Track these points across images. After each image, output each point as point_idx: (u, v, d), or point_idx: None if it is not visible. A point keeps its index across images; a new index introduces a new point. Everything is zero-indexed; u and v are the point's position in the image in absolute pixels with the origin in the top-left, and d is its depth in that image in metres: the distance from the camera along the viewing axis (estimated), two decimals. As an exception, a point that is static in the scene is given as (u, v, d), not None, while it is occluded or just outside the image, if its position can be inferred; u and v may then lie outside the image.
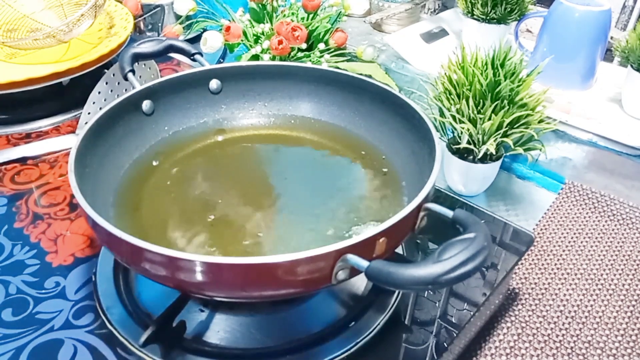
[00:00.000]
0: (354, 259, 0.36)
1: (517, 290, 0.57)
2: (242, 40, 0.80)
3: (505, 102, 0.59)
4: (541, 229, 0.64)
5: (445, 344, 0.45)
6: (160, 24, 0.98)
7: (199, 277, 0.36)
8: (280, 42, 0.75)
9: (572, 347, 0.52)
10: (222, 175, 0.54)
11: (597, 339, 0.53)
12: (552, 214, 0.66)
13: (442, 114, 0.64)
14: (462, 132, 0.61)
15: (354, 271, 0.37)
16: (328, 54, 0.80)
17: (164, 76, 0.57)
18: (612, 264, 0.60)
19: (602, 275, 0.59)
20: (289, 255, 0.35)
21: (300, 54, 0.79)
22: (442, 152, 0.46)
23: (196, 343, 0.44)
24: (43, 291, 0.48)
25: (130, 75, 0.57)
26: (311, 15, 0.82)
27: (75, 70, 0.73)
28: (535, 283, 0.58)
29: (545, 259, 0.61)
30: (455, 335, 0.46)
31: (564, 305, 0.56)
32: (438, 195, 0.60)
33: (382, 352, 0.44)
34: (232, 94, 0.61)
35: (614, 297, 0.57)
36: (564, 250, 0.62)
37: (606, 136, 0.71)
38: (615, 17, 0.90)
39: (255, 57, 0.78)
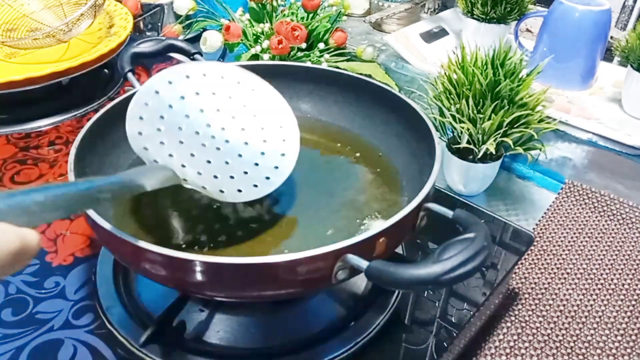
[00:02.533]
0: (353, 259, 0.36)
1: (517, 290, 0.57)
2: (241, 40, 0.80)
3: (505, 101, 0.59)
4: (541, 229, 0.64)
5: (445, 343, 0.45)
6: (159, 24, 0.98)
7: (199, 277, 0.36)
8: (280, 42, 0.75)
9: (572, 347, 0.52)
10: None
11: (597, 339, 0.53)
12: (552, 213, 0.66)
13: (442, 114, 0.64)
14: (462, 132, 0.61)
15: (354, 271, 0.37)
16: (328, 53, 0.80)
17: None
18: (612, 264, 0.60)
19: (602, 275, 0.59)
20: (289, 255, 0.35)
21: (300, 54, 0.79)
22: (442, 152, 0.46)
23: (196, 343, 0.44)
24: (43, 291, 0.48)
25: (130, 75, 0.56)
26: (311, 15, 0.82)
27: (75, 70, 0.73)
28: (535, 283, 0.58)
29: (545, 259, 0.61)
30: (455, 335, 0.46)
31: (564, 305, 0.56)
32: (438, 195, 0.60)
33: (382, 352, 0.44)
34: (231, 94, 0.60)
35: (614, 297, 0.57)
36: (564, 250, 0.62)
37: (606, 136, 0.71)
38: (615, 17, 0.90)
39: (255, 56, 0.78)
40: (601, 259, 0.61)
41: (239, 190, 0.43)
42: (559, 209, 0.67)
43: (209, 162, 0.43)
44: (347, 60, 0.81)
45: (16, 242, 0.23)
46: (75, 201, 0.28)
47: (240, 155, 0.44)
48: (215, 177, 0.43)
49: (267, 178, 0.44)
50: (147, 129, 0.43)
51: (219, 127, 0.45)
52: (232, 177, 0.43)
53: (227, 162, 0.43)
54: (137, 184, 0.35)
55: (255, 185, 0.44)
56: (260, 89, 0.47)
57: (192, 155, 0.43)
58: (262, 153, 0.44)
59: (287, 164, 0.45)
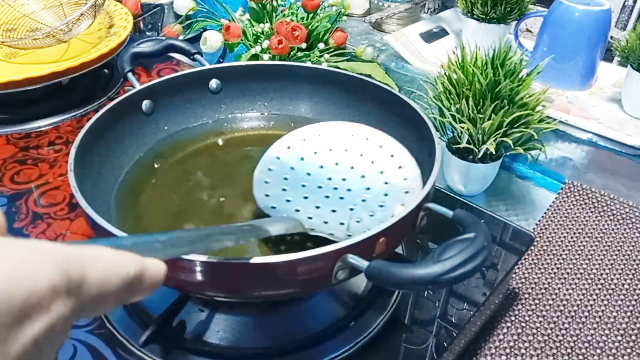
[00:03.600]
0: (354, 259, 0.36)
1: (517, 290, 0.57)
2: (241, 40, 0.80)
3: (505, 101, 0.59)
4: (541, 229, 0.64)
5: (445, 343, 0.45)
6: (159, 24, 0.98)
7: (199, 277, 0.36)
8: (280, 42, 0.75)
9: (572, 347, 0.52)
10: (222, 175, 0.54)
11: (597, 339, 0.53)
12: (552, 213, 0.66)
13: (442, 114, 0.64)
14: (462, 132, 0.61)
15: (354, 271, 0.37)
16: (328, 53, 0.80)
17: (163, 76, 0.57)
18: (612, 264, 0.60)
19: (602, 275, 0.59)
20: (289, 255, 0.35)
21: (300, 54, 0.79)
22: (442, 152, 0.46)
23: (196, 343, 0.44)
24: (43, 291, 0.48)
25: (130, 75, 0.56)
26: (311, 15, 0.82)
27: (75, 70, 0.73)
28: (535, 283, 0.58)
29: (545, 259, 0.61)
30: (455, 335, 0.46)
31: (564, 305, 0.56)
32: (438, 195, 0.60)
33: (382, 352, 0.44)
34: (232, 94, 0.61)
35: (614, 297, 0.57)
36: (564, 250, 0.62)
37: (606, 136, 0.71)
38: (615, 17, 0.90)
39: (255, 56, 0.78)
40: (601, 259, 0.61)
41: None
42: (559, 209, 0.67)
43: (334, 211, 0.45)
44: (347, 60, 0.81)
45: (132, 268, 0.22)
46: (198, 240, 0.30)
47: (364, 201, 0.45)
48: (342, 223, 0.44)
49: (392, 216, 0.44)
50: (273, 191, 0.46)
51: (339, 179, 0.47)
52: (358, 221, 0.44)
53: (351, 209, 0.45)
54: (263, 228, 0.36)
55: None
56: (373, 137, 0.49)
57: (317, 207, 0.45)
58: (386, 194, 0.46)
59: (413, 200, 0.45)
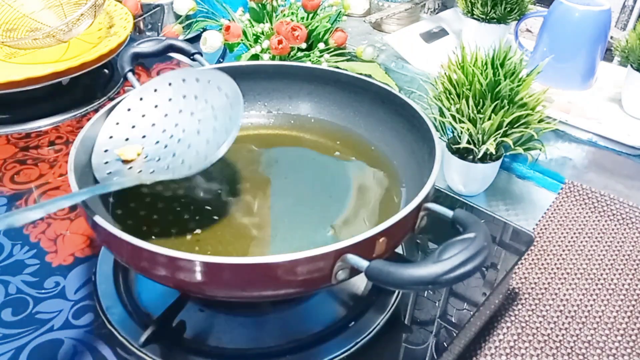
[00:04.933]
0: (353, 259, 0.36)
1: (517, 290, 0.57)
2: (241, 40, 0.80)
3: (505, 101, 0.59)
4: (541, 229, 0.64)
5: (445, 343, 0.45)
6: (159, 24, 0.98)
7: (199, 277, 0.36)
8: (280, 42, 0.75)
9: (571, 347, 0.52)
10: (221, 175, 0.54)
11: (596, 339, 0.53)
12: (552, 213, 0.66)
13: (442, 114, 0.64)
14: (462, 132, 0.61)
15: (354, 271, 0.37)
16: (328, 53, 0.80)
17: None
18: (612, 264, 0.60)
19: (602, 275, 0.59)
20: (289, 255, 0.35)
21: (300, 54, 0.79)
22: (442, 152, 0.46)
23: (196, 343, 0.44)
24: (43, 291, 0.48)
25: (130, 75, 0.56)
26: (311, 15, 0.82)
27: (75, 70, 0.73)
28: (535, 283, 0.58)
29: (545, 259, 0.61)
30: (455, 335, 0.46)
31: (564, 305, 0.56)
32: (438, 195, 0.60)
33: (382, 352, 0.44)
34: (231, 94, 0.60)
35: (614, 297, 0.57)
36: (563, 250, 0.62)
37: (606, 136, 0.71)
38: (615, 17, 0.90)
39: (255, 56, 0.78)
40: (601, 259, 0.61)
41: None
42: (559, 209, 0.67)
43: (173, 155, 0.47)
44: (347, 60, 0.81)
45: None
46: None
47: (199, 133, 0.48)
48: (182, 162, 0.46)
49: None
50: (111, 158, 0.48)
51: (173, 126, 0.49)
52: (197, 152, 0.46)
53: (189, 146, 0.47)
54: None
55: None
56: (202, 76, 0.51)
57: (158, 160, 0.47)
58: (216, 118, 0.48)
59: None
